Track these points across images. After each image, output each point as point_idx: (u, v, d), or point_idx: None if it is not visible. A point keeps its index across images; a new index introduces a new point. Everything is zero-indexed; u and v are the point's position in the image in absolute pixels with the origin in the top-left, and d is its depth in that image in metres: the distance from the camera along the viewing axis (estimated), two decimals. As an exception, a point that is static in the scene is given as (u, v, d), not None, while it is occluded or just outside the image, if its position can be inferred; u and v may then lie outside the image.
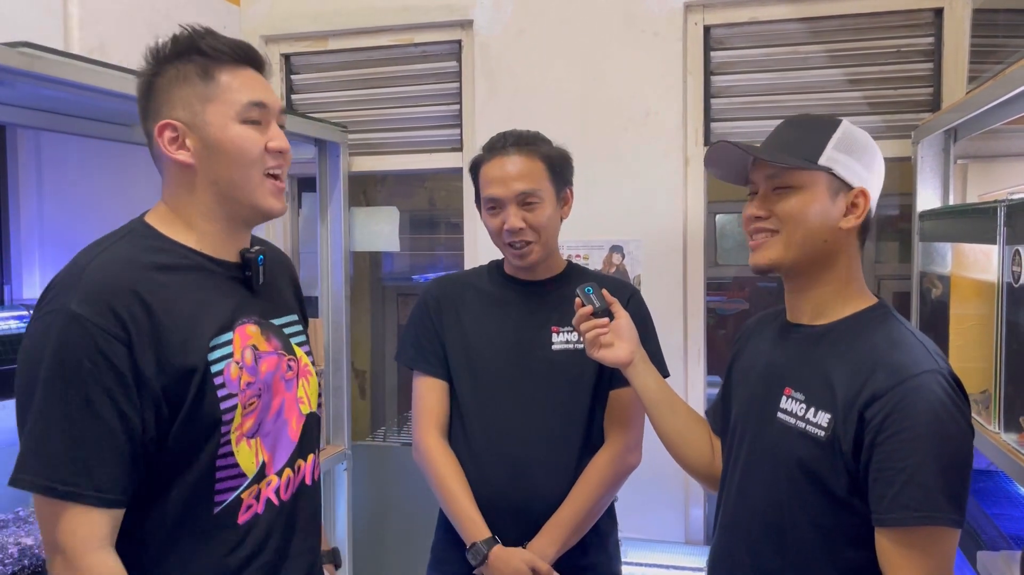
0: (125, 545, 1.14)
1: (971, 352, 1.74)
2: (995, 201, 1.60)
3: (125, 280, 1.13)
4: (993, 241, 1.58)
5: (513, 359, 1.72)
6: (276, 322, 1.33)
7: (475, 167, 1.77)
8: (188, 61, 1.20)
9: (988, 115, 1.85)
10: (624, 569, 2.37)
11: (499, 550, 1.64)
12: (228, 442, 1.19)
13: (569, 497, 1.69)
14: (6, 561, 1.77)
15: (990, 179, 2.47)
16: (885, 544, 1.16)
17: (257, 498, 1.25)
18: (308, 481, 1.36)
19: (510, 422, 1.70)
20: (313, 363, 1.42)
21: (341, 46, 3.00)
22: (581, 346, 1.70)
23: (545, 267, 1.78)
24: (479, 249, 2.74)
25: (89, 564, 1.08)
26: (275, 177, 1.24)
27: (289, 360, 1.32)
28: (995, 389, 1.58)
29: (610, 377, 1.71)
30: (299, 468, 1.33)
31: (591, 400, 1.73)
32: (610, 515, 1.81)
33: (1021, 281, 1.47)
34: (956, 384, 1.18)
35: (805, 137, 1.29)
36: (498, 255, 1.85)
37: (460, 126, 2.90)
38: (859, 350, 1.23)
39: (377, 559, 2.99)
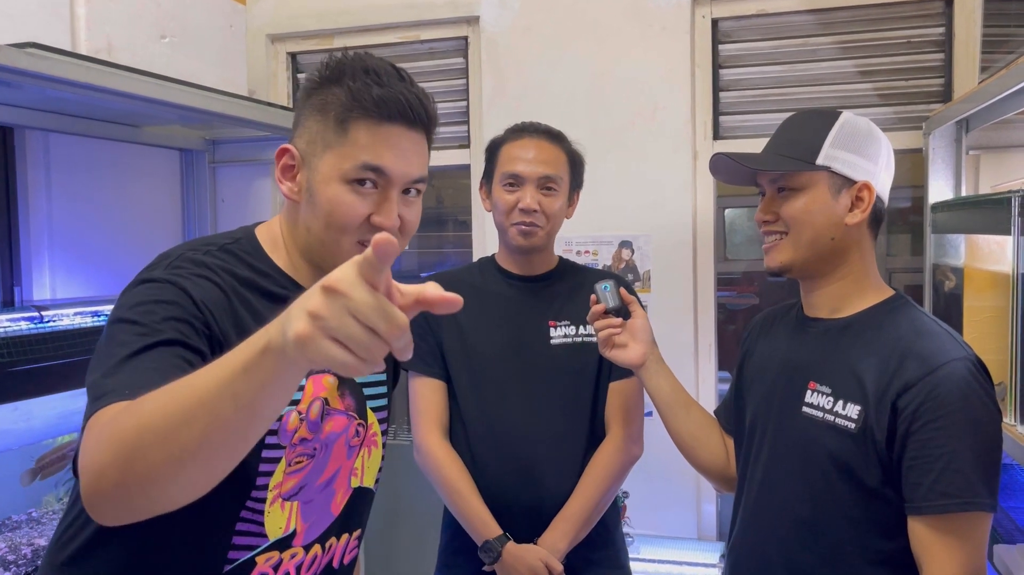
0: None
1: (986, 344, 1.72)
2: (1009, 191, 1.59)
3: (214, 277, 1.03)
4: (1007, 232, 1.56)
5: (513, 356, 1.72)
6: (359, 379, 1.18)
7: (496, 146, 1.77)
8: (337, 92, 1.05)
9: (1000, 105, 1.83)
10: (637, 565, 2.37)
11: (512, 547, 1.64)
12: (263, 499, 1.05)
13: (576, 491, 1.68)
14: (20, 562, 1.78)
15: (1003, 170, 2.45)
16: (921, 531, 1.16)
17: (276, 568, 1.09)
18: (336, 564, 1.19)
19: (514, 420, 1.69)
20: (384, 433, 1.26)
21: (347, 44, 2.99)
22: (580, 340, 1.70)
23: (541, 261, 1.78)
24: (487, 246, 2.73)
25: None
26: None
27: (358, 425, 1.18)
28: (1011, 381, 1.57)
29: (610, 369, 1.71)
30: (329, 547, 1.16)
31: (593, 393, 1.73)
32: (615, 507, 1.80)
33: (1037, 272, 1.45)
34: (983, 370, 1.19)
35: (803, 136, 1.29)
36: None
37: (467, 123, 2.90)
38: (884, 341, 1.23)
39: (387, 556, 2.99)
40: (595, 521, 1.70)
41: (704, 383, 2.64)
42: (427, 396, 1.74)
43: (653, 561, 2.45)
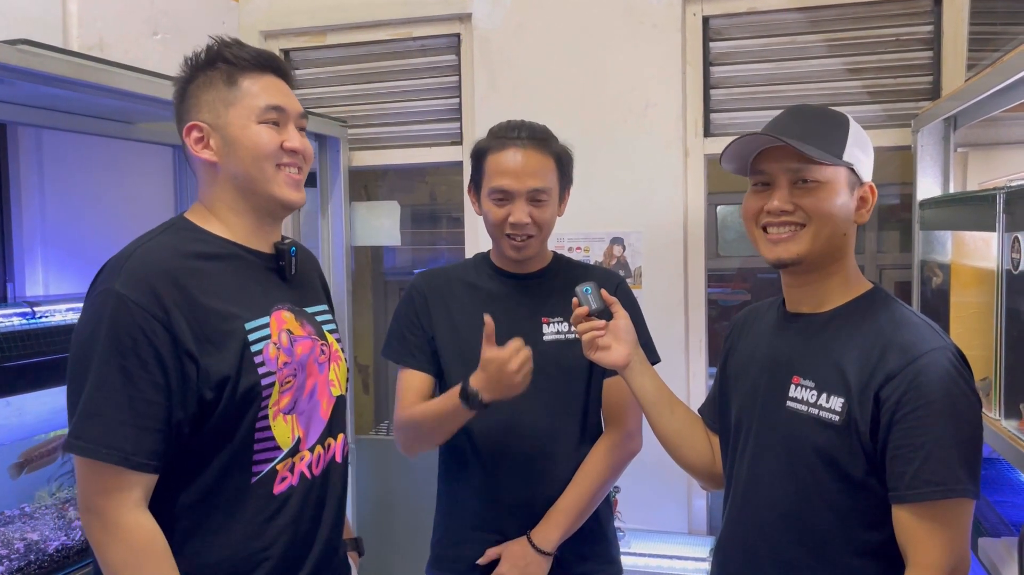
0: (161, 513, 1.21)
1: (971, 340, 1.74)
2: (994, 188, 1.60)
3: (165, 265, 1.23)
4: (992, 228, 1.58)
5: None
6: (309, 310, 1.43)
7: (481, 153, 1.72)
8: (215, 68, 1.31)
9: (987, 103, 1.85)
10: (628, 559, 2.39)
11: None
12: (266, 416, 1.28)
13: (572, 484, 1.69)
14: (12, 556, 1.79)
15: (990, 167, 2.47)
16: (906, 520, 1.17)
17: (292, 471, 1.33)
18: (339, 458, 1.44)
19: (506, 416, 1.69)
20: (343, 350, 1.51)
21: (340, 41, 3.00)
22: (573, 336, 1.70)
23: (535, 259, 1.77)
24: (480, 243, 2.74)
25: (127, 523, 1.16)
26: (290, 171, 1.33)
27: (322, 345, 1.41)
28: (995, 376, 1.58)
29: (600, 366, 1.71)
30: (329, 446, 1.42)
31: (586, 390, 1.73)
32: (607, 502, 1.81)
33: (1020, 268, 1.47)
34: (962, 359, 1.21)
35: (826, 130, 1.28)
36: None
37: (460, 120, 2.91)
38: (866, 333, 1.24)
39: (381, 551, 3.01)
40: (589, 514, 1.71)
41: (695, 379, 2.66)
42: (409, 384, 1.74)
43: (644, 555, 2.47)
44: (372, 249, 3.69)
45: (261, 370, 1.26)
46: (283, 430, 1.31)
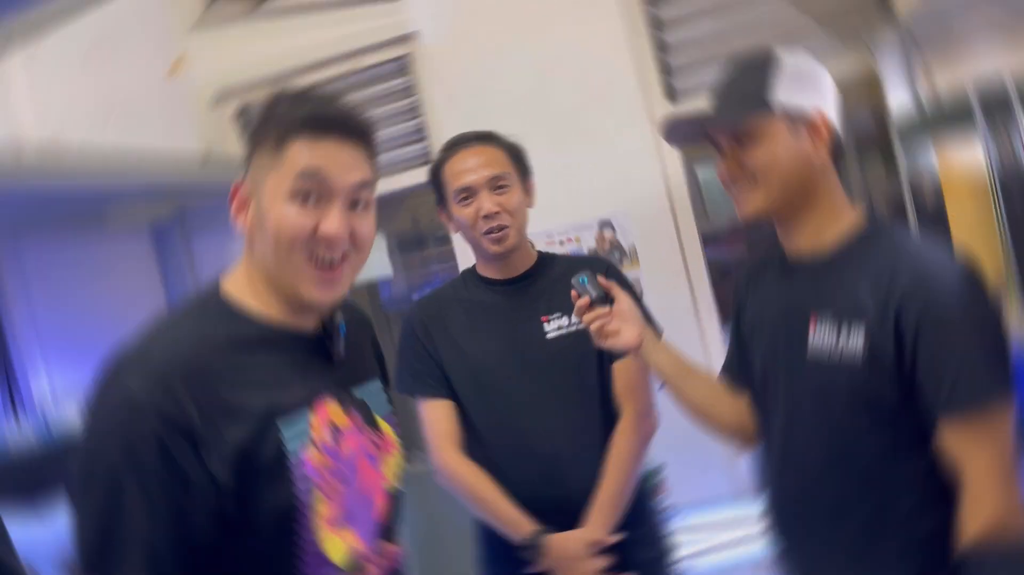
0: None
1: (976, 250, 1.73)
2: (966, 94, 1.59)
3: (193, 360, 1.02)
4: (975, 133, 1.57)
5: (513, 359, 1.72)
6: (358, 392, 1.20)
7: (436, 170, 1.78)
8: (272, 124, 1.08)
9: (942, 11, 1.84)
10: (679, 536, 2.36)
11: (554, 538, 1.64)
12: (310, 529, 1.06)
13: (603, 479, 1.69)
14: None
15: (954, 63, 2.44)
16: (950, 435, 1.16)
17: None
18: (397, 566, 1.23)
19: (527, 422, 1.70)
20: (397, 434, 1.27)
21: (294, 85, 2.98)
22: (574, 328, 1.70)
23: (520, 260, 1.79)
24: (470, 257, 2.72)
25: None
26: (323, 265, 1.07)
27: (372, 436, 1.19)
28: (1009, 279, 1.57)
29: (610, 352, 1.70)
30: (387, 552, 1.21)
31: (599, 378, 1.73)
32: (644, 484, 1.80)
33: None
34: (975, 268, 1.20)
35: (746, 82, 1.29)
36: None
37: (426, 139, 2.89)
38: (874, 260, 1.23)
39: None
40: (627, 502, 1.70)
41: (711, 343, 2.64)
42: (438, 417, 1.75)
43: (692, 527, 2.44)
44: (367, 284, 3.68)
45: (299, 476, 1.04)
46: (336, 545, 1.08)
